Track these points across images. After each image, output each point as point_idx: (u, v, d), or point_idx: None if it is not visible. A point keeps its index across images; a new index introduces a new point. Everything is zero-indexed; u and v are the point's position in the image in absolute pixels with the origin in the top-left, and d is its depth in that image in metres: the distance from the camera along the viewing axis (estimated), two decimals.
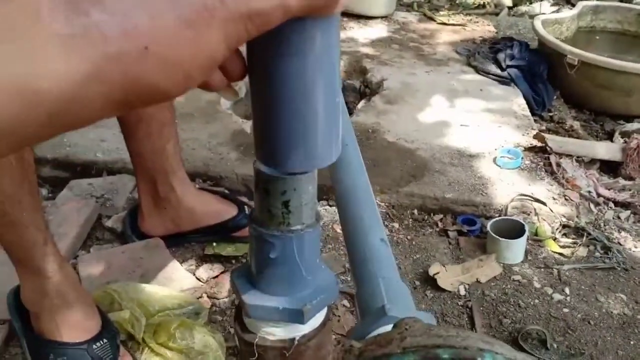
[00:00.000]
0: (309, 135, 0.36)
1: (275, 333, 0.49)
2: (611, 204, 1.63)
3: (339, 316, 1.19)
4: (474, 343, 0.42)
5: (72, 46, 0.17)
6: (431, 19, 3.22)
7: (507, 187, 1.61)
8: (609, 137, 2.28)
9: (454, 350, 0.42)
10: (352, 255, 0.75)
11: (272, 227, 0.46)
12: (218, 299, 1.26)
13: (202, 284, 1.28)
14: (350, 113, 2.04)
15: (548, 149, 1.77)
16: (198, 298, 1.25)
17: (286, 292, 0.48)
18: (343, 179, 0.85)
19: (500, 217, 1.48)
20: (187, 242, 1.38)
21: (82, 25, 0.17)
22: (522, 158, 1.74)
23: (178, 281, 1.27)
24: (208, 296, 1.26)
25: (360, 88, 2.41)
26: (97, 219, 1.44)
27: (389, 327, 0.55)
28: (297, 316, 0.48)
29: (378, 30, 2.96)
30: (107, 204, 1.49)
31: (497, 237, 1.38)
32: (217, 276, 1.31)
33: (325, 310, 0.52)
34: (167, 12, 0.18)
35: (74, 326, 0.99)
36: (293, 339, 0.50)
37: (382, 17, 3.13)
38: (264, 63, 0.34)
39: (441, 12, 3.35)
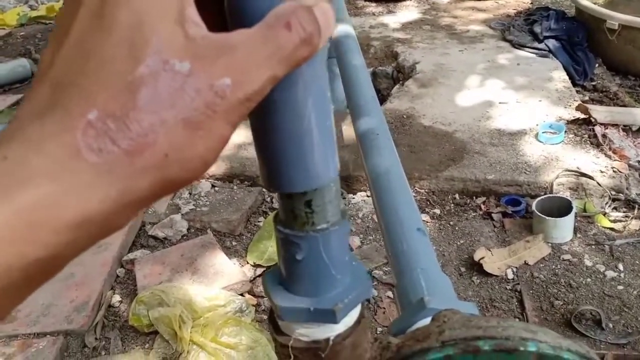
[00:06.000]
0: (305, 157, 0.39)
1: (309, 334, 0.48)
2: None
3: (384, 308, 1.18)
4: (516, 333, 0.41)
5: (108, 172, 0.21)
6: None
7: (552, 164, 1.56)
8: None
9: (495, 341, 0.40)
10: (389, 247, 0.74)
11: (296, 228, 0.46)
12: (264, 297, 1.26)
13: (249, 277, 1.30)
14: (384, 100, 2.01)
15: (592, 120, 1.70)
16: (243, 294, 1.26)
17: (316, 292, 0.47)
18: (375, 169, 0.83)
19: (545, 195, 1.43)
20: None
21: (114, 153, 0.21)
22: (565, 132, 1.68)
23: (227, 275, 1.30)
24: (254, 295, 1.27)
25: (393, 73, 2.38)
26: (141, 227, 1.47)
27: (428, 320, 0.53)
28: (329, 316, 0.47)
29: (408, 12, 2.91)
30: (148, 210, 1.51)
31: (544, 216, 1.33)
32: (261, 274, 1.32)
33: (359, 308, 0.51)
34: (178, 123, 0.22)
35: None
36: (328, 339, 0.49)
37: None
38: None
39: None
